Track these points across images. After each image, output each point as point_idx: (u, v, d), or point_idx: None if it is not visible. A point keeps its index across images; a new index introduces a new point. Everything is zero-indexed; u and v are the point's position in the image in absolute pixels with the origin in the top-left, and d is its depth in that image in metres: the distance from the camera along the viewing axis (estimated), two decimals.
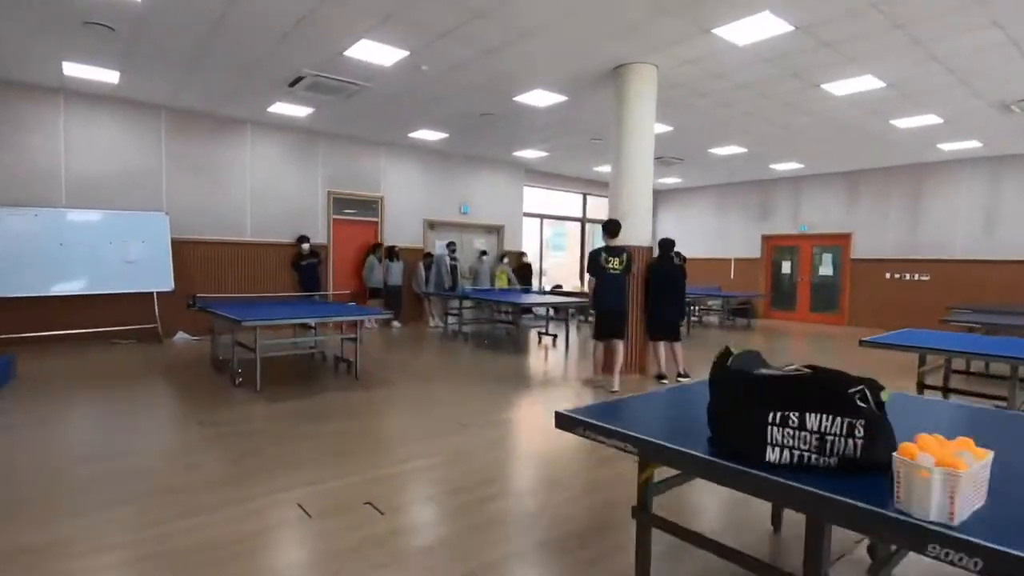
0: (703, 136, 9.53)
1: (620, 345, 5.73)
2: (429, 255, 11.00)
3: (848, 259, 12.33)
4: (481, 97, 7.59)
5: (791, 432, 1.51)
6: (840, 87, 6.77)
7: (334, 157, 10.06)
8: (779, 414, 1.52)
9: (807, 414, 1.50)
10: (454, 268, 11.00)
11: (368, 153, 10.45)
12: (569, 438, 4.16)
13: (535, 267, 13.45)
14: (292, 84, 7.14)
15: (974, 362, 6.46)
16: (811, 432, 1.49)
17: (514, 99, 7.59)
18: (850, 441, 1.47)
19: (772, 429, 1.52)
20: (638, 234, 6.33)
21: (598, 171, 13.06)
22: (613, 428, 1.85)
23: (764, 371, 1.65)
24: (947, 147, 9.78)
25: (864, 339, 4.55)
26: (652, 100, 6.33)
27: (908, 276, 11.46)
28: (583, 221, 14.85)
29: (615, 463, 3.60)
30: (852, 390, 1.48)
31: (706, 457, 1.58)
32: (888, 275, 11.74)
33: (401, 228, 10.93)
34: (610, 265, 5.66)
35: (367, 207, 10.53)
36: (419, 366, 6.78)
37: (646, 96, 6.29)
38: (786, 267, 13.62)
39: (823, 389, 1.51)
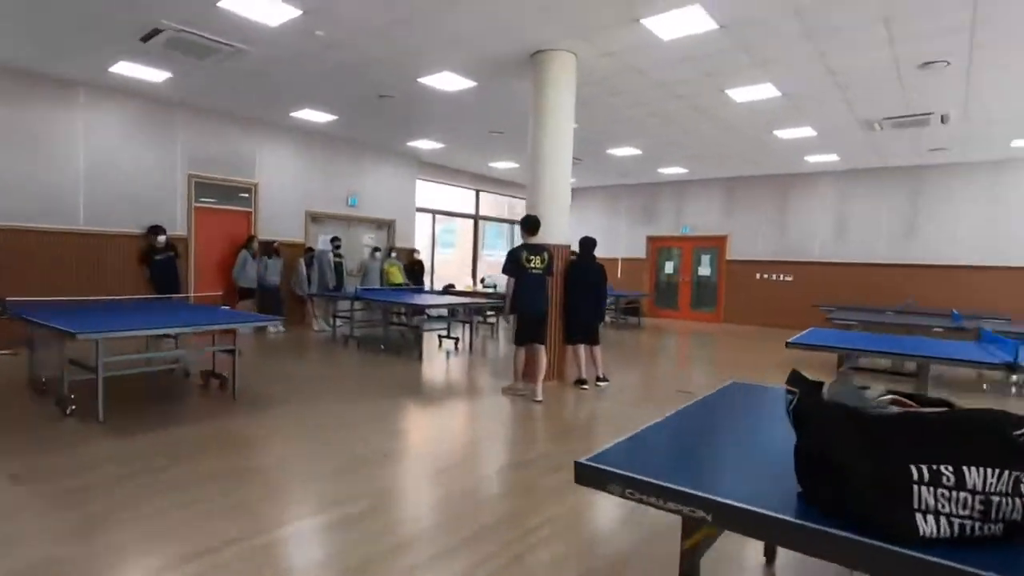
0: (605, 136, 9.51)
1: (543, 350, 5.34)
2: (311, 251, 9.88)
3: (724, 260, 13.18)
4: (382, 75, 6.79)
5: (946, 493, 1.13)
6: (742, 93, 6.97)
7: (198, 134, 8.57)
8: (927, 468, 1.14)
9: (965, 468, 1.14)
10: (338, 266, 9.99)
11: (240, 132, 9.07)
12: (503, 463, 3.65)
13: (426, 265, 12.74)
14: (145, 39, 5.82)
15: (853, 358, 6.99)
16: (972, 492, 1.13)
17: (419, 80, 6.89)
18: (1017, 501, 1.13)
19: (921, 489, 1.14)
20: (557, 232, 5.99)
21: (494, 167, 12.67)
22: (674, 488, 1.37)
23: (894, 409, 1.27)
24: (812, 159, 10.73)
25: (790, 340, 4.58)
26: (572, 91, 6.01)
27: (775, 276, 12.48)
28: (476, 218, 14.39)
29: (563, 495, 3.14)
30: (1018, 432, 1.14)
31: (840, 534, 1.16)
32: (758, 275, 12.71)
33: (279, 220, 9.67)
34: (531, 264, 5.25)
35: (238, 195, 9.14)
36: (310, 379, 5.85)
37: (565, 86, 5.95)
38: (669, 267, 14.27)
39: (977, 431, 1.16)
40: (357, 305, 8.83)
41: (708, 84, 6.71)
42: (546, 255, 5.36)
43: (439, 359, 7.34)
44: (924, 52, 5.53)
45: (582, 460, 1.55)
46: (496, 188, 14.51)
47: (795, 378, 1.48)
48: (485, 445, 4.03)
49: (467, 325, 8.79)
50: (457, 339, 8.45)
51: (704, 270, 13.68)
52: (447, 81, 6.88)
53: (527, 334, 5.30)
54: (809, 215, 12.09)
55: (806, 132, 8.72)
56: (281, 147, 9.64)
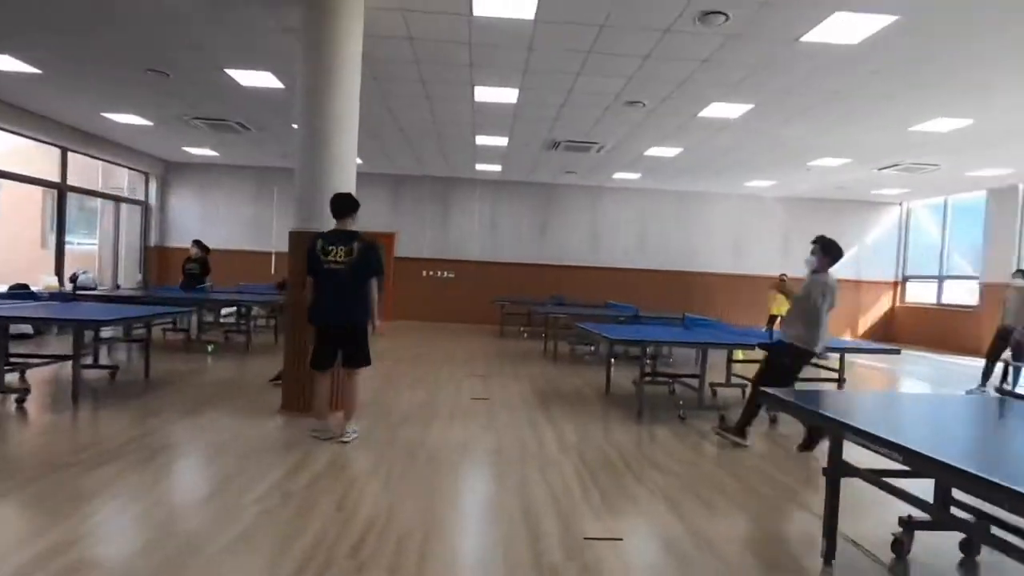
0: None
1: (356, 376, 4.06)
2: None
3: (392, 257, 13.07)
4: None
5: None
6: (487, 93, 6.99)
7: None
8: None
9: None
10: None
11: None
12: None
13: None
14: None
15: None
16: None
17: None
18: None
19: None
20: None
21: (110, 119, 9.00)
22: None
23: None
24: (481, 167, 11.74)
25: (615, 338, 4.84)
26: (360, 37, 4.76)
27: (440, 274, 13.18)
28: (63, 188, 9.94)
29: None
30: None
31: None
32: (425, 272, 13.16)
33: None
34: (329, 257, 3.90)
35: None
36: None
37: (356, 26, 4.68)
38: None
39: None
40: None
41: (464, 76, 6.45)
42: (357, 246, 4.02)
43: (106, 401, 4.71)
44: (640, 92, 6.73)
45: None
46: (98, 150, 10.41)
47: None
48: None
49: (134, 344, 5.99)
50: (116, 368, 5.61)
51: None
52: None
53: (323, 355, 3.95)
54: (468, 217, 13.23)
55: (500, 141, 9.45)
56: None
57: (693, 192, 13.34)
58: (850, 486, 2.50)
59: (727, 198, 13.45)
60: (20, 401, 4.42)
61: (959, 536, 2.65)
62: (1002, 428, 2.37)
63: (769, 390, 2.64)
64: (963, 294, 12.22)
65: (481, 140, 9.40)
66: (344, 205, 4.11)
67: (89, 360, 5.79)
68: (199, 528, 2.56)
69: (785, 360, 4.10)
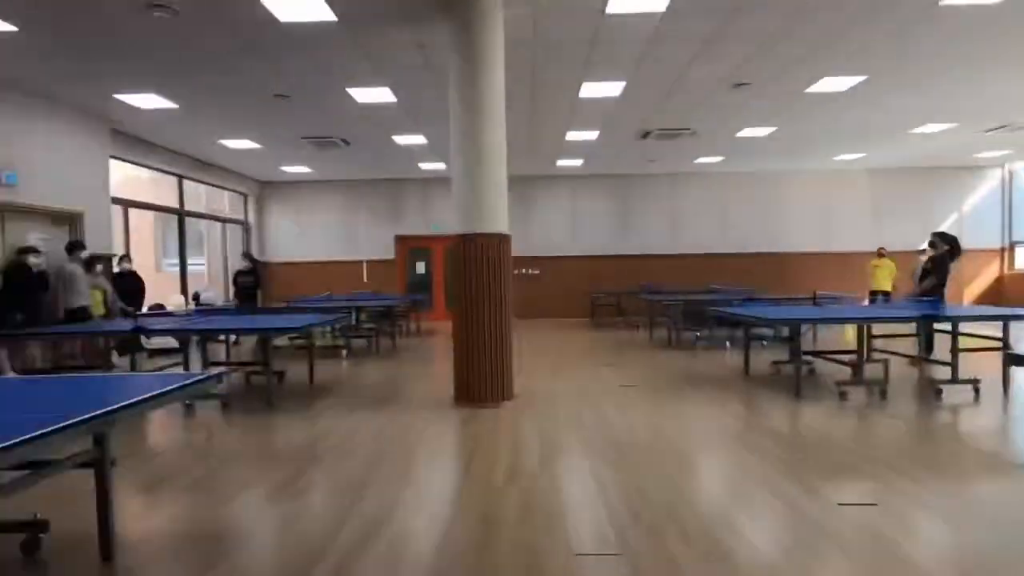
0: (400, 115, 8.33)
1: None
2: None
3: None
4: None
5: None
6: (590, 88, 7.14)
7: None
8: None
9: None
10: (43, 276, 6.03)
11: None
12: None
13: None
14: None
15: None
16: None
17: None
18: None
19: None
20: (496, 219, 4.98)
21: (223, 144, 9.61)
22: None
23: None
24: (561, 162, 11.88)
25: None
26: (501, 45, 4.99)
27: (526, 271, 13.41)
28: (182, 213, 10.69)
29: None
30: None
31: None
32: (515, 271, 13.40)
33: None
34: None
35: None
36: None
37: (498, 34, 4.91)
38: (420, 267, 13.68)
39: None
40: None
41: (575, 73, 6.60)
42: None
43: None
44: (749, 74, 6.70)
45: None
46: (207, 176, 11.11)
47: None
48: None
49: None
50: (283, 373, 6.02)
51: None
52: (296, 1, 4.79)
53: None
54: (549, 214, 13.45)
55: (591, 136, 9.57)
56: None
57: (773, 171, 13.08)
58: None
59: (810, 174, 13.12)
60: (225, 404, 4.87)
61: None
62: None
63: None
64: None
65: (572, 136, 9.55)
66: None
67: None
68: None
69: None
